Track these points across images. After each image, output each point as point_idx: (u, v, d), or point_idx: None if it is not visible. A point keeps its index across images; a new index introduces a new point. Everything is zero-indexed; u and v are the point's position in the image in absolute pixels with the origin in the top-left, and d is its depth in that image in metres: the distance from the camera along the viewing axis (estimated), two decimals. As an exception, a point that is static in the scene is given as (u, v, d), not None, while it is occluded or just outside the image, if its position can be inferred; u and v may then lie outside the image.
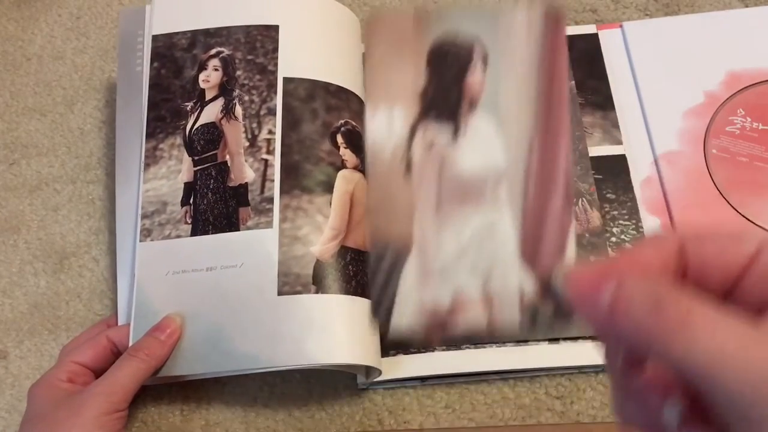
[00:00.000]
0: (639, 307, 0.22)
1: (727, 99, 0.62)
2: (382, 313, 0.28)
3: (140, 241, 0.54)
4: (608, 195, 0.59)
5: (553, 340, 0.55)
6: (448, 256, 0.29)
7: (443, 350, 0.55)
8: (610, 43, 0.65)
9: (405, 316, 0.28)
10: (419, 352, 0.55)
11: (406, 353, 0.55)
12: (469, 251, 0.29)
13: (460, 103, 0.29)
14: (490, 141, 0.29)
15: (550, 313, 0.28)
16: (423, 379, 0.55)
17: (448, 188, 0.29)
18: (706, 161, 0.60)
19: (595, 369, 0.55)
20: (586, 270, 0.24)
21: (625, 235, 0.58)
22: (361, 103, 0.60)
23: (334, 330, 0.51)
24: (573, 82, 0.63)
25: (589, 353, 0.54)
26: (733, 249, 0.25)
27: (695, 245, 0.25)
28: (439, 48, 0.29)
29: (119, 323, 0.54)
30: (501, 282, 0.28)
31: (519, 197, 0.29)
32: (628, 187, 0.59)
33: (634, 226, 0.58)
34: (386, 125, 0.29)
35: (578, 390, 0.55)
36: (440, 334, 0.28)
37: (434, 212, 0.29)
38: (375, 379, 0.54)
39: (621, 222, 0.58)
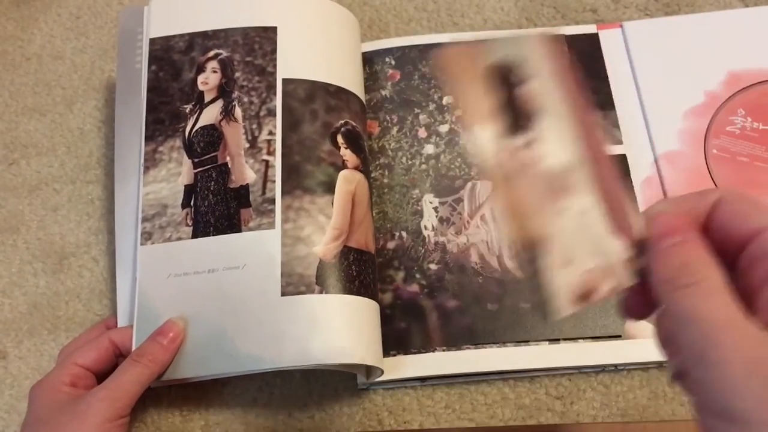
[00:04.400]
0: (674, 261, 0.29)
1: (728, 99, 0.62)
2: (542, 312, 0.35)
3: (141, 244, 0.54)
4: (608, 195, 0.59)
5: (553, 340, 0.55)
6: (568, 243, 0.33)
7: (443, 350, 0.55)
8: (610, 42, 0.65)
9: (563, 305, 0.33)
10: (419, 352, 0.55)
11: (406, 353, 0.55)
12: (578, 235, 0.33)
13: (525, 114, 0.34)
14: (557, 141, 0.34)
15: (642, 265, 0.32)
16: (423, 380, 0.55)
17: (543, 186, 0.34)
18: (706, 161, 0.60)
19: (595, 369, 0.55)
20: (672, 217, 0.30)
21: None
22: (361, 103, 0.60)
23: (337, 330, 0.51)
24: (573, 82, 0.63)
25: (589, 353, 0.54)
26: (702, 197, 0.30)
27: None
28: (496, 72, 0.34)
29: (119, 324, 0.54)
30: (605, 253, 0.33)
31: (591, 182, 0.33)
32: (628, 186, 0.59)
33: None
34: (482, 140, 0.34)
35: (578, 390, 0.55)
36: (592, 298, 0.33)
37: (542, 209, 0.34)
38: (375, 380, 0.54)
39: (621, 222, 0.58)
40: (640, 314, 0.33)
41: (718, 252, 0.30)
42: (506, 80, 0.34)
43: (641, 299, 0.32)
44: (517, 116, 0.34)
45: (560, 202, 0.33)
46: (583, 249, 0.33)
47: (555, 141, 0.34)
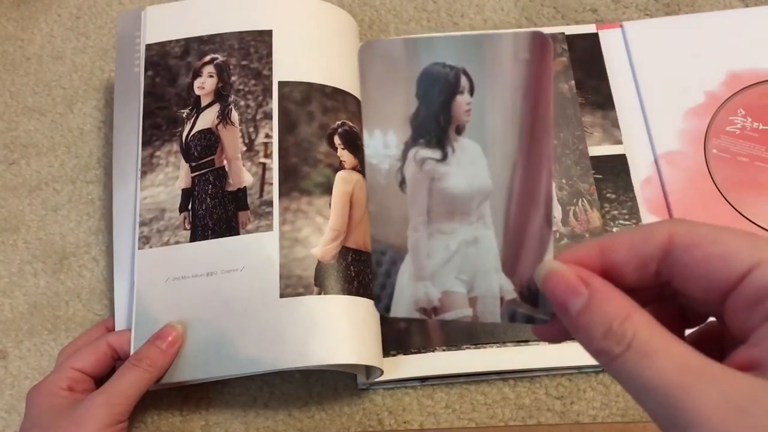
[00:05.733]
0: (596, 329, 0.27)
1: (728, 99, 0.62)
2: (382, 306, 0.33)
3: (139, 248, 0.54)
4: (608, 195, 0.59)
5: (553, 340, 0.55)
6: (437, 262, 0.33)
7: (443, 350, 0.55)
8: (610, 42, 0.65)
9: (401, 308, 0.32)
10: (419, 352, 0.55)
11: (406, 353, 0.55)
12: (456, 259, 0.32)
13: (448, 127, 0.32)
14: (476, 163, 0.32)
15: (526, 314, 0.32)
16: (423, 379, 0.55)
17: (437, 203, 0.32)
18: (706, 161, 0.60)
19: (595, 369, 0.55)
20: (562, 275, 0.28)
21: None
22: (358, 103, 0.60)
23: (337, 330, 0.51)
24: (573, 82, 0.63)
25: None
26: (645, 242, 0.28)
27: (610, 247, 0.28)
28: (427, 77, 0.32)
29: (117, 328, 0.54)
30: (484, 286, 0.32)
31: (501, 215, 0.32)
32: (628, 186, 0.59)
33: (634, 226, 0.58)
34: (382, 145, 0.33)
35: (578, 390, 0.55)
36: (431, 316, 0.33)
37: (425, 224, 0.33)
38: (375, 380, 0.54)
39: (621, 222, 0.58)
40: (554, 341, 0.31)
41: (690, 295, 0.28)
42: (436, 89, 0.32)
43: (554, 331, 0.30)
44: (439, 129, 0.32)
45: (449, 224, 0.32)
46: (453, 272, 0.32)
47: (468, 163, 0.32)
